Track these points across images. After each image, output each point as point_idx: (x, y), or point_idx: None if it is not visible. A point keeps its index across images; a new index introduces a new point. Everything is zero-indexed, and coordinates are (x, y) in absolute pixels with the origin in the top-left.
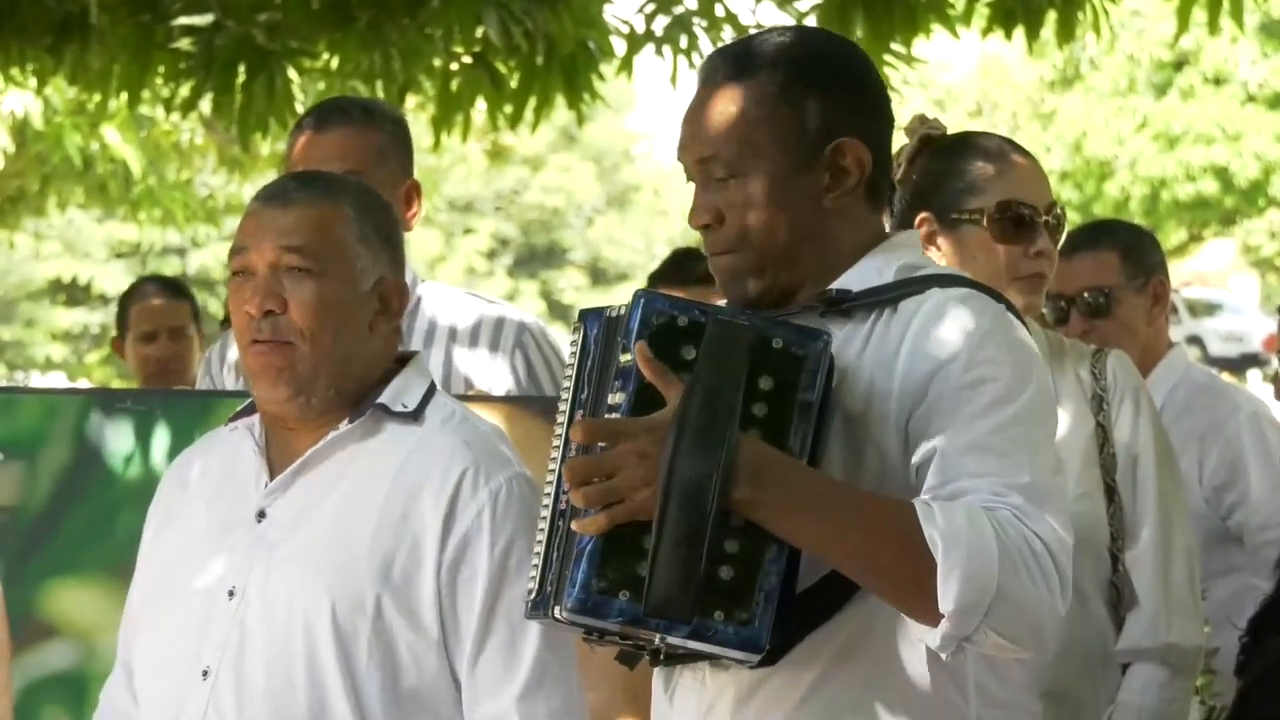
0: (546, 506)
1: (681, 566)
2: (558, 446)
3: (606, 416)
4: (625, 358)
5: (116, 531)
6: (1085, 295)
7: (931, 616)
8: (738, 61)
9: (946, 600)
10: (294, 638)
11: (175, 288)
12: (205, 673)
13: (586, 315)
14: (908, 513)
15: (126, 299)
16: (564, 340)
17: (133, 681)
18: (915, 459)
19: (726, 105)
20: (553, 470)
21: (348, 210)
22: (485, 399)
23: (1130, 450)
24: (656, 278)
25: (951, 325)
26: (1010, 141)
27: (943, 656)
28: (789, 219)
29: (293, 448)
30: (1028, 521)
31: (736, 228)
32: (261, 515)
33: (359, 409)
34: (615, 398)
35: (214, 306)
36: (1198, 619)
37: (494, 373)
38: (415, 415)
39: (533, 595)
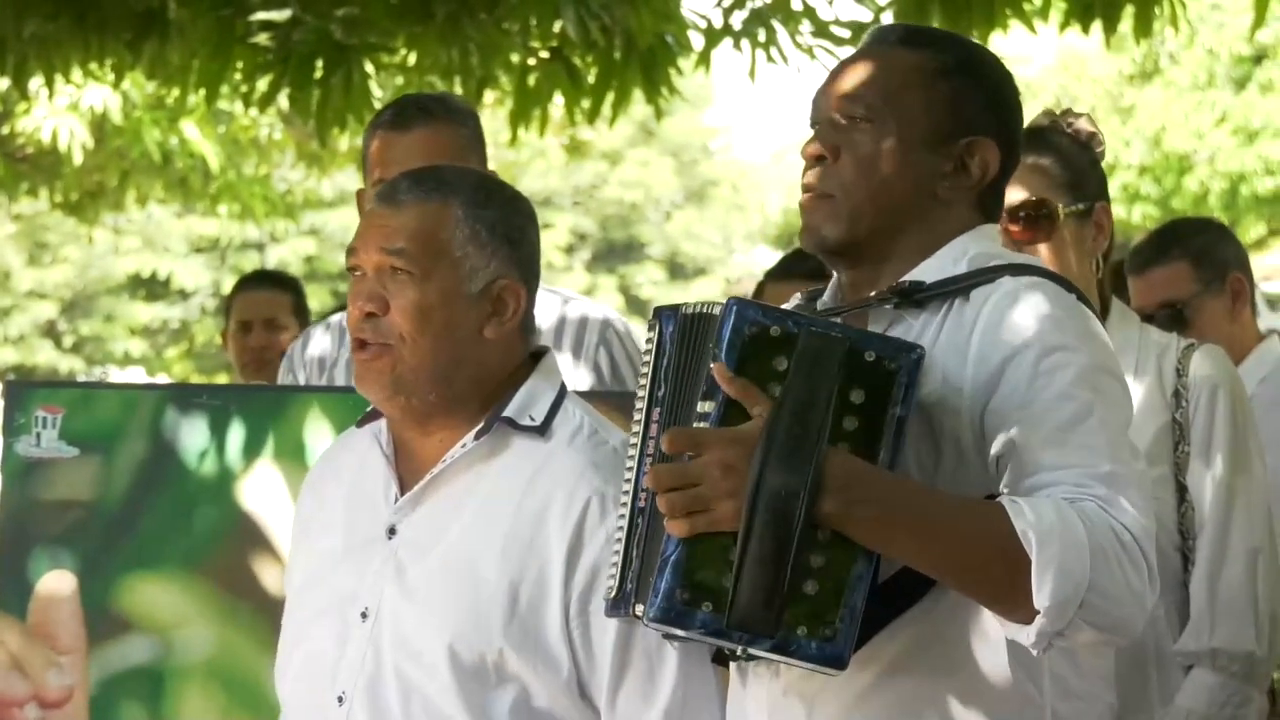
0: (625, 504)
1: (766, 582)
2: (634, 444)
3: (695, 425)
4: (715, 365)
5: (193, 526)
6: (1163, 311)
7: (1024, 614)
8: (913, 34)
9: (1042, 596)
10: (423, 668)
11: (275, 280)
12: (340, 699)
13: (661, 313)
14: (997, 512)
15: (231, 292)
16: (644, 335)
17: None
18: (994, 450)
19: (890, 62)
20: (630, 467)
21: (456, 209)
22: None
23: (1203, 448)
24: (774, 274)
25: (1023, 312)
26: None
27: (1034, 652)
28: (900, 185)
29: (419, 458)
30: (1112, 511)
31: (848, 170)
32: (392, 531)
33: (485, 421)
34: (705, 406)
35: None
36: (1252, 623)
37: (578, 373)
38: (542, 429)
39: (612, 593)
